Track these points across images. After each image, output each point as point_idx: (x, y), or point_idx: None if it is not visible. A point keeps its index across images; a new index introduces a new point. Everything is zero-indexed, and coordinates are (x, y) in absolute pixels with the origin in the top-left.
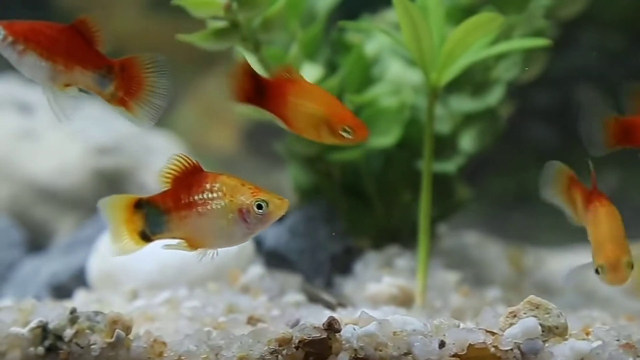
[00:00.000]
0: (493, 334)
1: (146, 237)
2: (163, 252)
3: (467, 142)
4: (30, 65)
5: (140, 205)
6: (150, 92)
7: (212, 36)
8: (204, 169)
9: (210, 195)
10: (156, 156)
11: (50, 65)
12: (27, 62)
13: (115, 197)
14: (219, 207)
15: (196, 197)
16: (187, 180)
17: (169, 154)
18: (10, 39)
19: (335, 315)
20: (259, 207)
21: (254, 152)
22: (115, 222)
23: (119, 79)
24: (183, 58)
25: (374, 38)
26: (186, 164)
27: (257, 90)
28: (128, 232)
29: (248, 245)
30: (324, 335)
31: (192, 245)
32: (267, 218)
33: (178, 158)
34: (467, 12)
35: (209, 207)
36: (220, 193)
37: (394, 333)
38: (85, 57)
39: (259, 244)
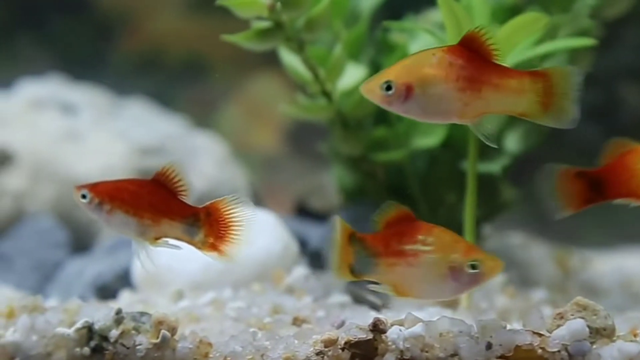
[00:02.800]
0: (540, 335)
1: (354, 273)
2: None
3: (512, 142)
4: (119, 223)
5: (353, 239)
6: (237, 232)
7: (256, 36)
8: (417, 219)
9: (422, 248)
10: (200, 157)
11: (137, 220)
12: (116, 220)
13: (341, 222)
14: (430, 261)
15: (407, 247)
16: (399, 227)
17: (212, 154)
18: (96, 200)
19: (380, 316)
20: (473, 267)
21: (297, 152)
22: (336, 246)
23: (206, 226)
24: (226, 58)
25: (418, 38)
26: (399, 212)
27: (591, 186)
28: (341, 262)
29: (293, 246)
30: (370, 336)
31: (399, 292)
32: (479, 278)
33: (391, 205)
34: (512, 11)
35: (419, 259)
36: (433, 247)
37: (441, 334)
38: (170, 209)
39: (303, 244)
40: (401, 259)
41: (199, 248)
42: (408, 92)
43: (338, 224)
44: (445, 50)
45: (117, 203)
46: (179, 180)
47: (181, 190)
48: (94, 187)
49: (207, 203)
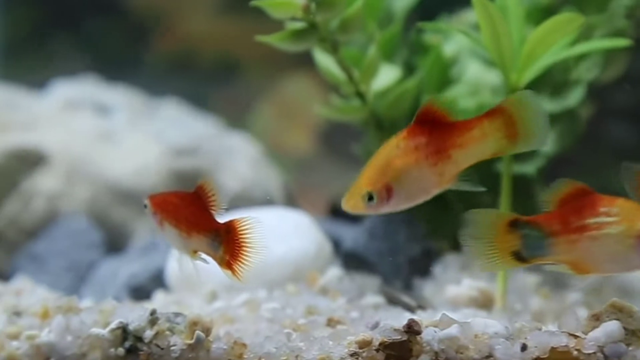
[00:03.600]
0: (576, 337)
1: (521, 258)
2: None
3: (548, 143)
4: (167, 234)
5: (517, 225)
6: (248, 253)
7: (290, 37)
8: (593, 192)
9: (606, 220)
10: (234, 157)
11: (178, 232)
12: (165, 231)
13: (489, 213)
14: (615, 232)
15: (589, 221)
16: (577, 202)
17: (246, 155)
18: (152, 210)
19: (415, 317)
20: None
21: (330, 153)
22: (484, 238)
23: (225, 243)
24: (259, 59)
25: (452, 39)
26: (573, 187)
27: None
28: (500, 251)
29: (327, 247)
30: (405, 337)
31: (579, 269)
32: None
33: (564, 182)
34: (547, 12)
35: (604, 231)
36: (618, 218)
37: (475, 336)
38: (201, 223)
39: (337, 245)
40: (583, 234)
41: (218, 264)
42: (389, 192)
43: (489, 215)
44: (405, 135)
45: (164, 214)
46: (213, 195)
47: (212, 205)
48: (152, 198)
49: (228, 220)
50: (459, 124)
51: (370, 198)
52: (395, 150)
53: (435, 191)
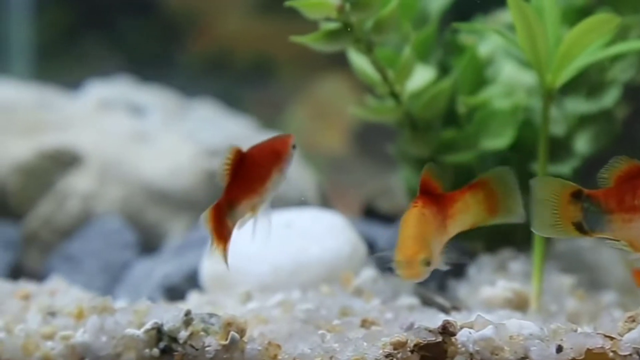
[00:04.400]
0: (611, 338)
1: (582, 230)
2: (275, 255)
3: (582, 144)
4: None
5: (578, 196)
6: None
7: (325, 37)
8: None
9: None
10: None
11: None
12: None
13: (554, 181)
14: None
15: None
16: (634, 182)
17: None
18: None
19: (449, 318)
20: None
21: (364, 153)
22: (548, 205)
23: None
24: (293, 59)
25: (487, 39)
26: (631, 166)
27: None
28: (562, 220)
29: (361, 248)
30: (439, 338)
31: (635, 248)
32: None
33: (622, 159)
34: (583, 12)
35: None
36: None
37: (511, 337)
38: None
39: (371, 246)
40: (637, 214)
41: None
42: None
43: (554, 183)
44: (423, 205)
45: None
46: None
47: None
48: None
49: None
50: (448, 195)
51: (428, 263)
52: (424, 217)
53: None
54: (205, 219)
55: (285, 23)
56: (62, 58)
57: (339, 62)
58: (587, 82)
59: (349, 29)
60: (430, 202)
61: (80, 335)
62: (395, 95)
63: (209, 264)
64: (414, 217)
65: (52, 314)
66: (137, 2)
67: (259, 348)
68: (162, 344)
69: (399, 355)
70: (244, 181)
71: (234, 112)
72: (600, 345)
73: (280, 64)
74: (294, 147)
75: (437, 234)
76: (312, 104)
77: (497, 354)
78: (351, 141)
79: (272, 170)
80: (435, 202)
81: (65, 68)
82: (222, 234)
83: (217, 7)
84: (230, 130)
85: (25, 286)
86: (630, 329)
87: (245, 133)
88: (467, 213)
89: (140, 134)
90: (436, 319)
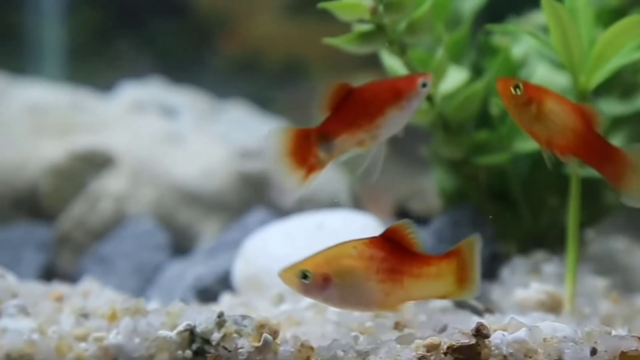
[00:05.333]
0: None
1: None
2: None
3: (617, 144)
4: None
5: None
6: None
7: (358, 39)
8: None
9: None
10: None
11: None
12: None
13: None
14: None
15: None
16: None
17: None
18: None
19: (483, 321)
20: None
21: (397, 155)
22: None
23: None
24: (324, 61)
25: (520, 41)
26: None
27: None
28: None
29: None
30: (473, 341)
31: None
32: None
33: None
34: (617, 13)
35: None
36: None
37: (544, 340)
38: None
39: None
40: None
41: None
42: (325, 282)
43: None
44: (367, 243)
45: None
46: None
47: None
48: None
49: None
50: (421, 255)
51: (305, 277)
52: (350, 249)
53: (373, 308)
54: (275, 137)
55: (316, 24)
56: (94, 60)
57: (370, 63)
58: (621, 83)
59: (382, 31)
60: (382, 246)
61: (113, 337)
62: (428, 97)
63: (242, 266)
64: (345, 244)
65: (85, 315)
66: (169, 3)
67: (292, 350)
68: (194, 346)
69: (432, 358)
70: (346, 115)
71: (266, 113)
72: (634, 348)
73: (312, 65)
74: (424, 85)
75: (374, 278)
76: None
77: (530, 357)
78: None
79: (385, 107)
80: (390, 250)
81: (97, 70)
82: (304, 160)
83: (248, 8)
84: (262, 132)
85: (59, 287)
86: None
87: None
88: (437, 281)
89: (173, 135)
90: (469, 321)
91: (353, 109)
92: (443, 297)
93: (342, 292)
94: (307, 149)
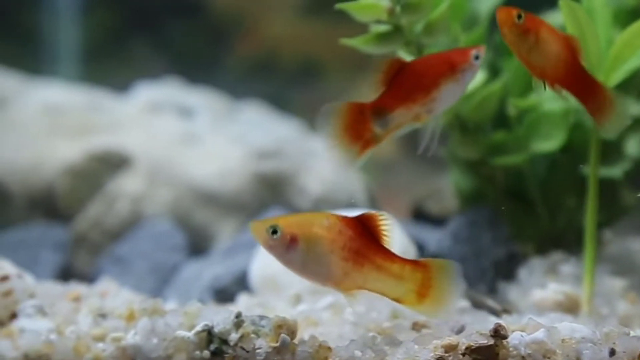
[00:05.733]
0: None
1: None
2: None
3: (634, 146)
4: None
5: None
6: None
7: (375, 40)
8: None
9: None
10: (316, 160)
11: None
12: None
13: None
14: None
15: None
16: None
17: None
18: None
19: (501, 321)
20: None
21: (414, 156)
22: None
23: None
24: (340, 61)
25: None
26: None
27: None
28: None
29: (411, 250)
30: (491, 341)
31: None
32: None
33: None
34: (634, 14)
35: None
36: None
37: (563, 340)
38: None
39: (421, 249)
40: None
41: None
42: (292, 243)
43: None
44: (340, 218)
45: None
46: None
47: None
48: None
49: None
50: (387, 251)
51: (274, 232)
52: (323, 219)
53: (330, 285)
54: (332, 112)
55: (331, 25)
56: (109, 60)
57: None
58: (639, 84)
59: (399, 32)
60: (354, 227)
61: (131, 337)
62: None
63: (259, 266)
64: (317, 214)
65: (103, 315)
66: (184, 4)
67: (310, 350)
68: (212, 346)
69: (450, 358)
70: (401, 90)
71: (282, 114)
72: None
73: (328, 65)
74: (477, 57)
75: (338, 254)
76: None
77: (549, 357)
78: (399, 143)
79: (440, 80)
80: (361, 233)
81: (112, 70)
82: (360, 135)
83: (263, 8)
84: (278, 133)
85: (76, 288)
86: None
87: (293, 135)
88: (395, 281)
89: (189, 135)
90: (487, 322)
91: (408, 83)
92: (397, 300)
93: (305, 257)
94: (362, 124)
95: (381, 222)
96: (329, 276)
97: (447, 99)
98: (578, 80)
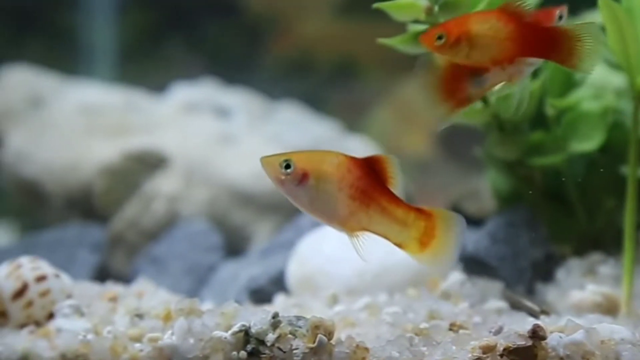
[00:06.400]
0: None
1: None
2: (360, 258)
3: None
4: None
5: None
6: None
7: (413, 40)
8: None
9: None
10: None
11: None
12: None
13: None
14: None
15: None
16: None
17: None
18: None
19: (539, 322)
20: None
21: (449, 156)
22: None
23: None
24: (377, 61)
25: None
26: None
27: None
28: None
29: None
30: (529, 342)
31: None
32: None
33: None
34: None
35: None
36: None
37: (602, 342)
38: None
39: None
40: None
41: None
42: (303, 179)
43: None
44: (349, 157)
45: None
46: None
47: None
48: None
49: None
50: (393, 195)
51: (287, 167)
52: (333, 157)
53: (334, 223)
54: (427, 70)
55: (367, 24)
56: (145, 60)
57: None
58: None
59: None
60: (362, 167)
61: (168, 337)
62: (482, 98)
63: (296, 267)
64: (329, 151)
65: (140, 315)
66: (220, 4)
67: (347, 351)
68: (249, 347)
69: (488, 359)
70: None
71: (318, 114)
72: None
73: (364, 65)
74: (560, 17)
75: (346, 192)
76: (396, 106)
77: (587, 359)
78: (436, 143)
79: None
80: (369, 174)
81: (148, 70)
82: (454, 94)
83: (299, 8)
84: (314, 133)
85: (113, 288)
86: None
87: (329, 135)
88: (399, 227)
89: (226, 136)
90: (525, 323)
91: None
92: (399, 246)
93: (313, 194)
94: (458, 83)
95: (389, 165)
96: (335, 214)
97: (535, 59)
98: (533, 42)
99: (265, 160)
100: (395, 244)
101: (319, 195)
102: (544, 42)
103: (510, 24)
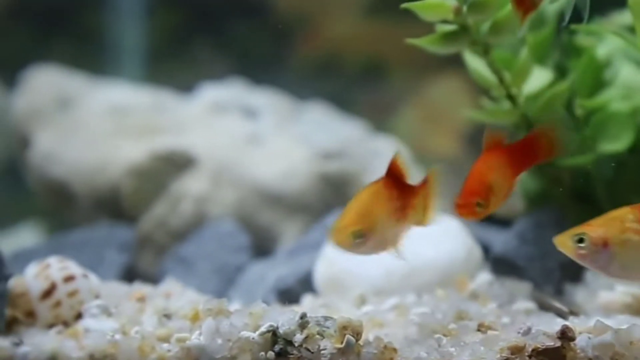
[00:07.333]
0: None
1: None
2: (388, 258)
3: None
4: None
5: None
6: None
7: (441, 40)
8: None
9: None
10: (380, 160)
11: None
12: None
13: None
14: None
15: None
16: None
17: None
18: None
19: (568, 323)
20: None
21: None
22: None
23: None
24: (404, 62)
25: (604, 41)
26: None
27: None
28: None
29: (476, 252)
30: (558, 343)
31: None
32: None
33: None
34: None
35: None
36: None
37: (631, 343)
38: None
39: (486, 250)
40: None
41: None
42: (367, 234)
43: None
44: (383, 185)
45: None
46: None
47: None
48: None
49: None
50: (411, 186)
51: (358, 236)
52: (377, 196)
53: (384, 251)
54: None
55: (394, 25)
56: (172, 61)
57: (450, 63)
58: None
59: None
60: (392, 185)
61: (196, 338)
62: (511, 98)
63: (323, 267)
64: (367, 193)
65: (168, 316)
66: (247, 4)
67: (375, 352)
68: (277, 347)
69: None
70: None
71: (345, 115)
72: None
73: (391, 66)
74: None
75: (391, 218)
76: (423, 106)
77: None
78: (463, 144)
79: None
80: (398, 187)
81: (175, 71)
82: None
83: (327, 8)
84: (342, 133)
85: (141, 288)
86: None
87: (357, 135)
88: (415, 209)
89: (253, 136)
90: (554, 324)
91: None
92: (417, 224)
93: (375, 239)
94: None
95: (402, 162)
96: (386, 243)
97: None
98: None
99: (337, 241)
100: (415, 225)
101: (379, 236)
102: None
103: None
